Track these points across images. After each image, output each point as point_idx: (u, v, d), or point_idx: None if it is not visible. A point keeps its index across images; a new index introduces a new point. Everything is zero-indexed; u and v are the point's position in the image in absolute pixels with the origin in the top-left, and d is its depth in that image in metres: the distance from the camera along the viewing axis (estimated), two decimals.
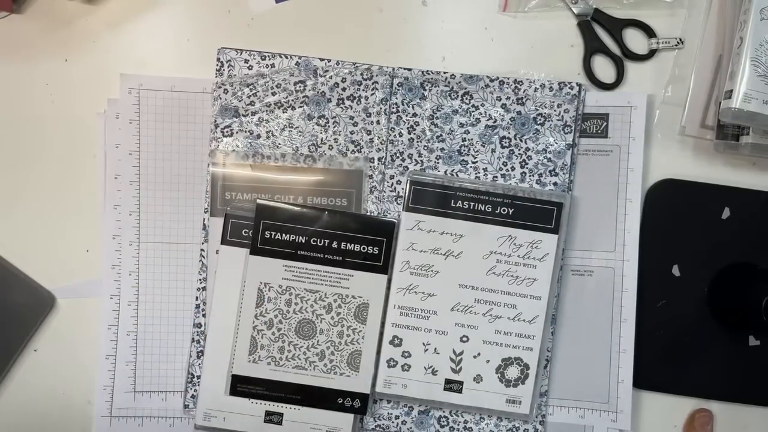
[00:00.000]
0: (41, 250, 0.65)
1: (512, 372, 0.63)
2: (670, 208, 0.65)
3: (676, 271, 0.65)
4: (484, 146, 0.64)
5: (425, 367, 0.63)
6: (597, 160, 0.65)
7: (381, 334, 0.63)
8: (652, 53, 0.66)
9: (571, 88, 0.64)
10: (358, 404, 0.63)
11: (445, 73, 0.64)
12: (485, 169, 0.64)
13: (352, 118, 0.64)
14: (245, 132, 0.64)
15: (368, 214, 0.64)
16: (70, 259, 0.65)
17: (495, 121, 0.64)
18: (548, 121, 0.64)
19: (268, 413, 0.63)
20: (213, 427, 0.63)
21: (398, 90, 0.64)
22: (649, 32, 0.66)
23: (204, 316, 0.64)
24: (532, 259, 0.63)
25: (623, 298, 0.65)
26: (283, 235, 0.62)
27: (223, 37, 0.65)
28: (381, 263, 0.62)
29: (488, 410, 0.64)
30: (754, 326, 0.65)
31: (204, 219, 0.64)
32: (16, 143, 0.65)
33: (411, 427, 0.65)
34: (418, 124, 0.64)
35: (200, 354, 0.64)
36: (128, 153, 0.64)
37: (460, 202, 0.63)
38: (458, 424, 0.65)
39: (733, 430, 0.66)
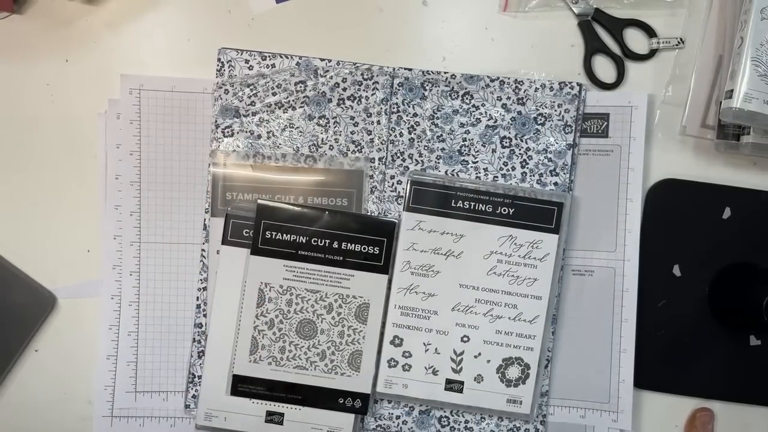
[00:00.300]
0: (42, 250, 0.65)
1: (513, 372, 0.63)
2: (671, 208, 0.65)
3: (676, 271, 0.65)
4: (484, 146, 0.64)
5: (426, 367, 0.63)
6: (597, 160, 0.65)
7: (382, 334, 0.63)
8: (652, 53, 0.66)
9: (572, 88, 0.64)
10: (358, 404, 0.63)
11: (445, 73, 0.64)
12: (486, 169, 0.64)
13: (352, 118, 0.64)
14: (246, 132, 0.64)
15: (369, 214, 0.64)
16: (71, 259, 0.65)
17: (495, 121, 0.64)
18: (549, 121, 0.64)
19: (269, 413, 0.63)
20: (214, 427, 0.63)
21: (399, 90, 0.64)
22: (650, 32, 0.66)
23: (205, 316, 0.64)
24: (532, 259, 0.63)
25: (624, 297, 0.65)
26: (284, 235, 0.62)
27: (223, 37, 0.65)
28: (381, 263, 0.62)
29: (489, 410, 0.64)
30: (754, 326, 0.65)
31: (205, 219, 0.64)
32: (17, 143, 0.65)
33: (412, 427, 0.65)
34: (419, 124, 0.64)
35: (201, 354, 0.64)
36: (129, 153, 0.64)
37: (460, 202, 0.63)
38: (459, 424, 0.65)
39: (734, 430, 0.66)
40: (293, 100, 0.64)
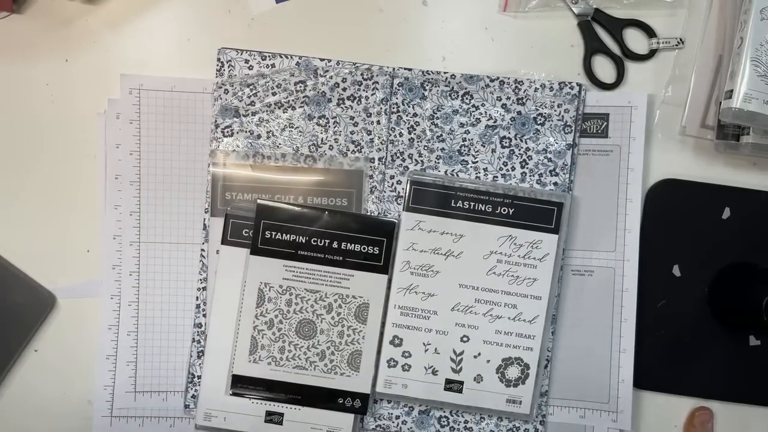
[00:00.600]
0: (41, 250, 0.65)
1: (512, 372, 0.63)
2: (671, 208, 0.65)
3: (676, 271, 0.65)
4: (484, 146, 0.64)
5: (425, 367, 0.63)
6: (597, 160, 0.65)
7: (381, 334, 0.63)
8: (652, 53, 0.66)
9: (572, 88, 0.64)
10: (358, 404, 0.63)
11: (445, 73, 0.64)
12: (485, 169, 0.64)
13: (352, 118, 0.64)
14: (246, 132, 0.64)
15: (368, 214, 0.64)
16: (71, 259, 0.65)
17: (495, 121, 0.64)
18: (548, 121, 0.64)
19: (269, 413, 0.63)
20: (213, 427, 0.63)
21: (398, 90, 0.64)
22: (650, 32, 0.66)
23: (204, 316, 0.64)
24: (532, 259, 0.63)
25: (624, 297, 0.65)
26: (284, 235, 0.62)
27: (223, 37, 0.65)
28: (381, 263, 0.62)
29: (489, 410, 0.64)
30: (754, 326, 0.65)
31: (204, 219, 0.64)
32: (17, 143, 0.65)
33: (411, 427, 0.65)
34: (419, 124, 0.64)
35: (201, 354, 0.64)
36: (129, 153, 0.64)
37: (460, 202, 0.63)
38: (459, 424, 0.65)
39: (734, 430, 0.66)
40: (293, 100, 0.64)
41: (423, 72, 0.64)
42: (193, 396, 0.64)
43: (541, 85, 0.64)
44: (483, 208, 0.63)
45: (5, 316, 0.64)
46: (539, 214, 0.63)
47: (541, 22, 0.66)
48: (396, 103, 0.64)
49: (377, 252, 0.62)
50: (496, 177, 0.64)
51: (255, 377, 0.62)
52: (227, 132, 0.64)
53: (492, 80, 0.64)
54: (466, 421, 0.65)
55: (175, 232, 0.65)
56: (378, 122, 0.64)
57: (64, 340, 0.65)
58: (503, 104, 0.64)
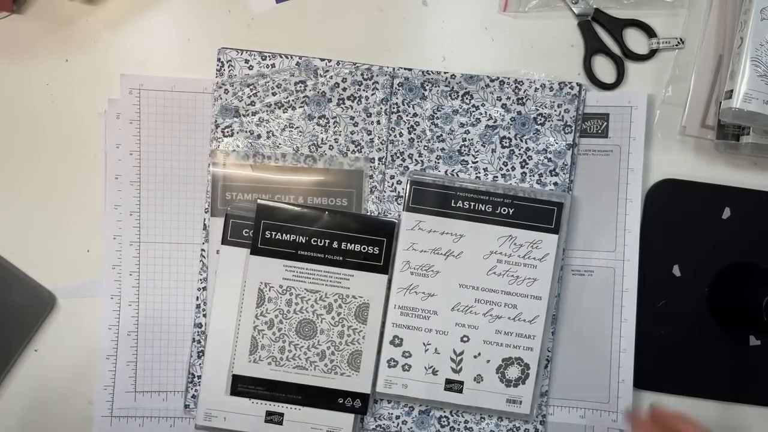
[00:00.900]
0: (42, 250, 0.65)
1: (513, 372, 0.63)
2: (671, 208, 0.65)
3: (676, 271, 0.65)
4: (484, 146, 0.64)
5: (426, 367, 0.63)
6: (597, 160, 0.65)
7: (381, 334, 0.63)
8: (652, 53, 0.66)
9: (572, 88, 0.64)
10: (358, 404, 0.63)
11: (445, 73, 0.64)
12: (485, 169, 0.64)
13: (352, 118, 0.64)
14: (246, 132, 0.64)
15: (369, 214, 0.64)
16: (71, 259, 0.65)
17: (495, 121, 0.64)
18: (548, 121, 0.64)
19: (269, 413, 0.63)
20: (214, 426, 0.63)
21: (398, 90, 0.64)
22: (650, 32, 0.66)
23: (204, 316, 0.64)
24: (532, 259, 0.63)
25: (624, 297, 0.65)
26: (284, 235, 0.62)
27: (223, 37, 0.65)
28: (381, 263, 0.62)
29: (489, 410, 0.64)
30: (754, 326, 0.65)
31: (204, 219, 0.64)
32: (17, 143, 0.65)
33: (411, 427, 0.65)
34: (419, 124, 0.64)
35: (201, 354, 0.64)
36: (129, 153, 0.64)
37: (460, 202, 0.63)
38: (459, 424, 0.65)
39: (734, 430, 0.66)
40: (293, 100, 0.64)
41: (423, 72, 0.64)
42: (193, 396, 0.64)
43: (541, 85, 0.64)
44: (483, 208, 0.63)
45: (5, 316, 0.64)
46: (539, 214, 0.63)
47: (541, 22, 0.66)
48: (396, 103, 0.64)
49: (377, 252, 0.62)
50: (496, 177, 0.64)
51: (255, 377, 0.62)
52: (227, 132, 0.64)
53: (492, 80, 0.64)
54: (466, 421, 0.65)
55: (175, 232, 0.65)
56: (378, 122, 0.64)
57: (64, 340, 0.65)
58: (503, 104, 0.64)
